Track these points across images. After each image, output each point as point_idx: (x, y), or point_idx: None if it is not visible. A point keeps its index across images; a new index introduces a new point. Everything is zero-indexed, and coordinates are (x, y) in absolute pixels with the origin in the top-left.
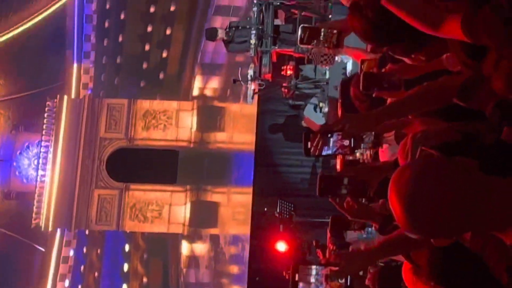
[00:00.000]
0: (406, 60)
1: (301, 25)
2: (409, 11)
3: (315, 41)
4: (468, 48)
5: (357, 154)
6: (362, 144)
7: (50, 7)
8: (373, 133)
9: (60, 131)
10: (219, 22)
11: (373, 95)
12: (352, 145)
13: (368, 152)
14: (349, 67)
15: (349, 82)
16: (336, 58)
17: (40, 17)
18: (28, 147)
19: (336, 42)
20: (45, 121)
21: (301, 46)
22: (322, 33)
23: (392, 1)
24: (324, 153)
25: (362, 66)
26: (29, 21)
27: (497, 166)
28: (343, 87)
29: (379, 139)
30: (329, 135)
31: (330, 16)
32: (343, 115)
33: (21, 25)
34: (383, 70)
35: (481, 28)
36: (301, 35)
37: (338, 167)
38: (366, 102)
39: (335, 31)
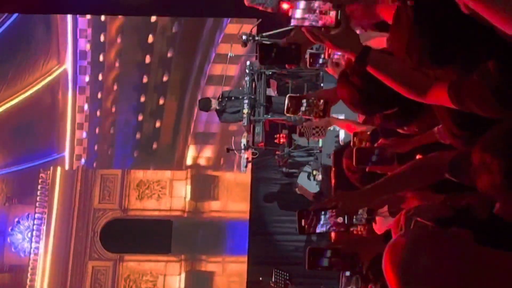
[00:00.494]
0: (399, 131)
1: (288, 95)
2: (395, 77)
3: (301, 110)
4: (456, 116)
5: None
6: (354, 220)
7: (43, 79)
8: (365, 208)
9: (54, 203)
10: (211, 91)
11: (366, 170)
12: (346, 222)
13: (361, 228)
14: (342, 135)
15: (341, 152)
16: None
17: (33, 90)
18: (21, 219)
19: (323, 112)
20: (38, 193)
21: (288, 115)
22: (305, 103)
23: (378, 67)
24: (318, 230)
25: (354, 139)
26: (22, 93)
27: (491, 239)
28: (336, 157)
29: (373, 214)
30: (323, 213)
31: (322, 84)
32: (336, 193)
33: (14, 98)
34: (375, 144)
35: (469, 95)
36: (287, 105)
37: (332, 240)
38: (358, 173)
39: (321, 101)
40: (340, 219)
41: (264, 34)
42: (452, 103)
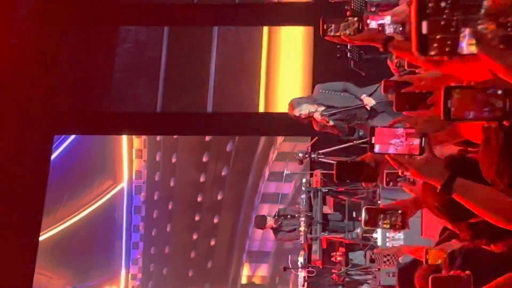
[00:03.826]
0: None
1: (365, 207)
2: (482, 205)
3: (379, 222)
4: None
5: None
6: None
7: (99, 199)
8: None
9: None
10: (265, 209)
11: None
12: None
13: None
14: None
15: (406, 271)
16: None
17: (89, 210)
18: None
19: (402, 224)
20: None
21: (365, 227)
22: (383, 215)
23: (464, 195)
24: None
25: (427, 256)
26: (79, 214)
27: None
28: (401, 276)
29: None
30: None
31: (379, 201)
32: None
33: (71, 218)
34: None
35: None
36: (365, 217)
37: None
38: None
39: (399, 211)
40: None
41: (320, 151)
42: None
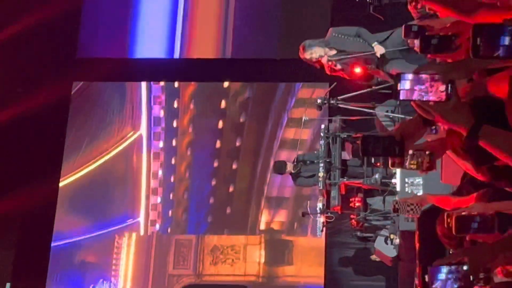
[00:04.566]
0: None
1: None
2: (509, 152)
3: (406, 163)
4: None
5: None
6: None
7: (118, 146)
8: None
9: (129, 269)
10: (284, 156)
11: (467, 238)
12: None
13: None
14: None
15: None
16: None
17: (107, 156)
18: (97, 285)
19: (429, 164)
20: (114, 258)
21: (391, 168)
22: (410, 156)
23: (490, 142)
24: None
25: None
26: (97, 160)
27: None
28: (421, 221)
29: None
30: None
31: None
32: (464, 249)
33: (90, 165)
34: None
35: None
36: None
37: None
38: (455, 240)
39: (427, 152)
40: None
41: (339, 97)
42: None
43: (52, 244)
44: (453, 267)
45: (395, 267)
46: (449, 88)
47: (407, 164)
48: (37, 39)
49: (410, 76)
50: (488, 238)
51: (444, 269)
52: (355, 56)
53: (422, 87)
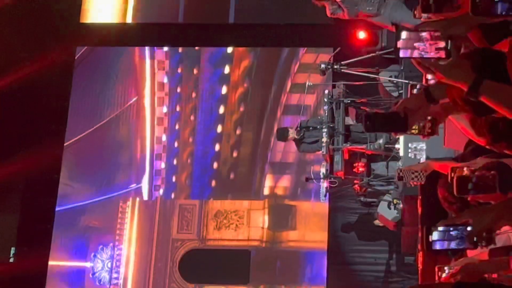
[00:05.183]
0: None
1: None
2: (509, 105)
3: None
4: None
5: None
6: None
7: (122, 111)
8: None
9: (133, 234)
10: (288, 121)
11: (468, 199)
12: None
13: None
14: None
15: (429, 181)
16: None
17: (112, 122)
18: (101, 249)
19: (431, 131)
20: (118, 223)
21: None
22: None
23: (492, 97)
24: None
25: (452, 174)
26: (101, 125)
27: None
28: (423, 186)
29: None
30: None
31: None
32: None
33: (94, 130)
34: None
35: None
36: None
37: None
38: (456, 204)
39: (429, 118)
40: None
41: (342, 62)
42: None
43: (57, 209)
44: (458, 228)
45: (398, 232)
46: (449, 44)
47: (409, 129)
48: (40, 3)
49: (409, 33)
50: (491, 199)
51: (449, 229)
52: None
53: (422, 44)
